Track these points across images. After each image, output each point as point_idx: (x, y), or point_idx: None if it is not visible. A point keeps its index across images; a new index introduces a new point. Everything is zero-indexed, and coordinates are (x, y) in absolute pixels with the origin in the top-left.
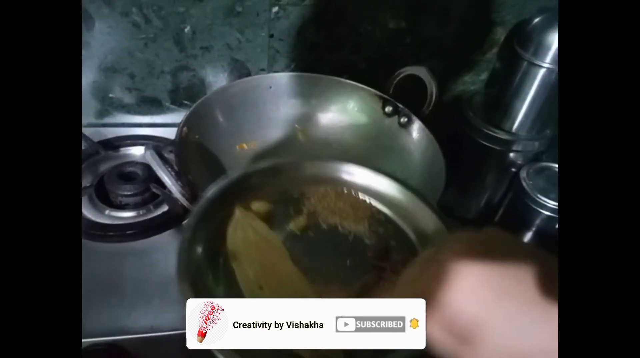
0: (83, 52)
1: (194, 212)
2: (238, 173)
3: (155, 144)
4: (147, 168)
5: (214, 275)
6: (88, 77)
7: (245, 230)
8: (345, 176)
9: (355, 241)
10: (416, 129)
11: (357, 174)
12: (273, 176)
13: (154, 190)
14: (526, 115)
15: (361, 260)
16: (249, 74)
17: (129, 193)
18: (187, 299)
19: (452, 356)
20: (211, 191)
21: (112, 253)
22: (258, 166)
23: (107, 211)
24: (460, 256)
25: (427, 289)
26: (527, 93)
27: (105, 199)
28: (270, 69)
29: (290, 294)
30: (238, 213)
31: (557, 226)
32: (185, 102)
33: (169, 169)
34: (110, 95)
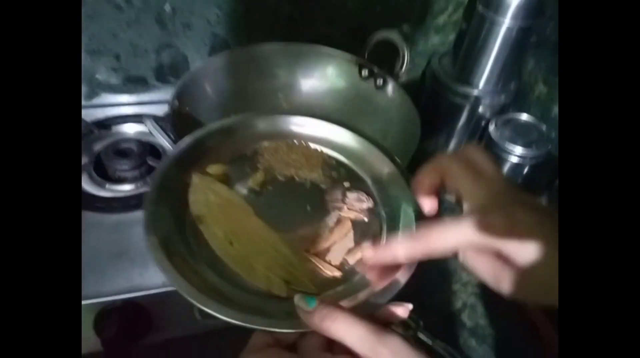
0: None
1: (153, 185)
2: (188, 140)
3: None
4: (140, 143)
5: (183, 241)
6: None
7: (205, 193)
8: (295, 129)
9: (312, 188)
10: (391, 90)
11: (307, 126)
12: (224, 137)
13: (150, 163)
14: (491, 71)
15: (320, 204)
16: (229, 47)
17: (126, 168)
18: (163, 270)
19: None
20: (164, 162)
21: (117, 223)
22: (207, 130)
23: (107, 186)
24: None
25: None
26: (492, 50)
27: (104, 175)
28: (249, 41)
29: (259, 245)
30: (195, 178)
31: (524, 172)
32: (170, 79)
33: (169, 137)
34: (97, 76)
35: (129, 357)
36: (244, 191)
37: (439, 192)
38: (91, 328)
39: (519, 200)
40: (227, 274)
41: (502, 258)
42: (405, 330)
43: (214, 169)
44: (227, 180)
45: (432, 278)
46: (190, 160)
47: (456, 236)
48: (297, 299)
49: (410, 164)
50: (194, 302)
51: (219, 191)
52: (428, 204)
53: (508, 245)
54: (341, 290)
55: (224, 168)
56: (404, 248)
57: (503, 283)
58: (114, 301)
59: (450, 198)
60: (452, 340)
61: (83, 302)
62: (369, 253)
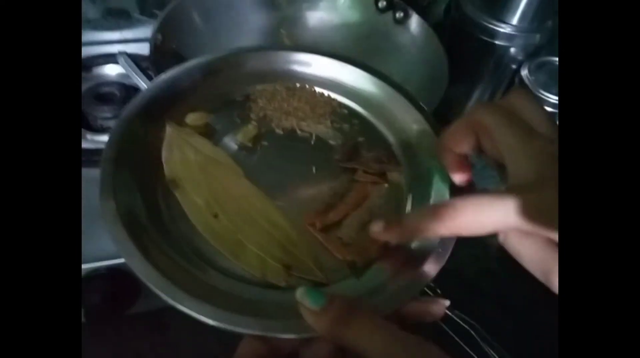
0: None
1: (112, 139)
2: (160, 81)
3: (131, 53)
4: (124, 87)
5: (152, 211)
6: None
7: (183, 150)
8: (297, 68)
9: (318, 144)
10: (414, 24)
11: (312, 64)
12: (206, 77)
13: None
14: (528, 4)
15: (328, 165)
16: None
17: (108, 115)
18: (124, 251)
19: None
20: (129, 108)
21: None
22: (185, 68)
23: (88, 136)
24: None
25: None
26: None
27: (84, 124)
28: None
29: (251, 218)
30: (170, 130)
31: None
32: (156, 12)
33: (146, 77)
34: None
35: (114, 329)
36: (232, 147)
37: (471, 156)
38: None
39: None
40: (209, 255)
41: (555, 245)
42: None
43: (193, 118)
44: (210, 133)
45: None
46: (163, 107)
47: (496, 219)
48: (300, 294)
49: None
50: (163, 295)
51: (199, 146)
52: (459, 172)
53: None
54: (356, 280)
55: (206, 116)
56: (425, 226)
57: (553, 275)
58: (97, 268)
59: (486, 161)
60: (470, 307)
61: None
62: (377, 228)
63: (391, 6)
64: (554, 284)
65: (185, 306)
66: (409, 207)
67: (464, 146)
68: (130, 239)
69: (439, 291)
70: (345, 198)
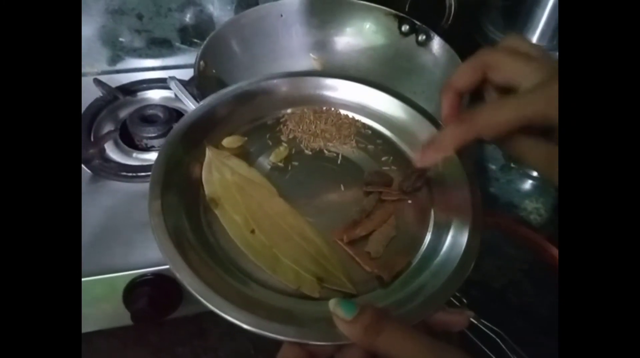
0: None
1: (157, 162)
2: (200, 108)
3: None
4: (167, 109)
5: (195, 230)
6: (97, 21)
7: (221, 171)
8: (324, 93)
9: (344, 163)
10: (436, 45)
11: (338, 89)
12: (241, 104)
13: None
14: (547, 23)
15: (354, 182)
16: (256, 4)
17: (153, 135)
18: (175, 267)
19: None
20: (173, 133)
21: (146, 192)
22: (221, 96)
23: (134, 154)
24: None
25: None
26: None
27: (131, 143)
28: None
29: (285, 233)
30: (209, 153)
31: None
32: (195, 40)
33: (194, 99)
34: (121, 39)
35: (157, 332)
36: (265, 167)
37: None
38: (120, 301)
39: None
40: (248, 269)
41: (554, 142)
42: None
43: (229, 141)
44: (245, 154)
45: None
46: (202, 131)
47: (509, 115)
48: (333, 305)
49: None
50: (208, 305)
51: (236, 168)
52: (451, 108)
53: None
54: (385, 291)
55: (241, 139)
56: (452, 136)
57: (554, 169)
58: (144, 274)
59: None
60: (496, 317)
61: (112, 275)
62: (417, 157)
63: (413, 30)
64: (556, 177)
65: (228, 314)
66: (432, 222)
67: (470, 82)
68: (178, 254)
69: (465, 301)
70: (372, 215)
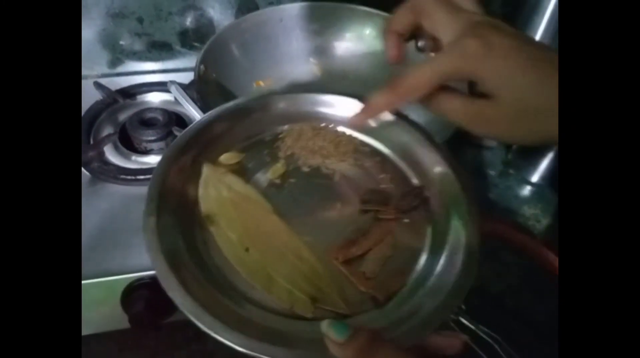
0: None
1: (154, 178)
2: (198, 123)
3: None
4: (166, 113)
5: (190, 247)
6: (97, 24)
7: (217, 187)
8: (322, 109)
9: (342, 181)
10: (435, 52)
11: (335, 105)
12: (238, 120)
13: (176, 133)
14: (546, 30)
15: (352, 201)
16: (257, 9)
17: (152, 138)
18: (169, 289)
19: (477, 117)
20: (170, 149)
21: (144, 195)
22: (218, 112)
23: (133, 157)
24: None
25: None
26: (546, 7)
27: (130, 146)
28: (279, 2)
29: (279, 252)
30: (206, 169)
31: None
32: (196, 44)
33: (194, 103)
34: (121, 42)
35: (154, 336)
36: (262, 183)
37: (409, 38)
38: (118, 304)
39: (495, 26)
40: (241, 288)
41: (476, 94)
42: None
43: (226, 157)
44: (242, 171)
45: None
46: (200, 148)
47: (431, 71)
48: (325, 327)
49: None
50: (200, 324)
51: (232, 184)
52: (394, 49)
53: (483, 71)
54: (379, 312)
55: (239, 156)
56: (383, 97)
57: (478, 120)
58: (142, 277)
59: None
60: (494, 323)
61: (111, 278)
62: (353, 120)
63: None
64: (480, 127)
65: (219, 334)
66: (428, 242)
67: (406, 25)
68: (171, 272)
69: (463, 307)
70: (368, 234)
